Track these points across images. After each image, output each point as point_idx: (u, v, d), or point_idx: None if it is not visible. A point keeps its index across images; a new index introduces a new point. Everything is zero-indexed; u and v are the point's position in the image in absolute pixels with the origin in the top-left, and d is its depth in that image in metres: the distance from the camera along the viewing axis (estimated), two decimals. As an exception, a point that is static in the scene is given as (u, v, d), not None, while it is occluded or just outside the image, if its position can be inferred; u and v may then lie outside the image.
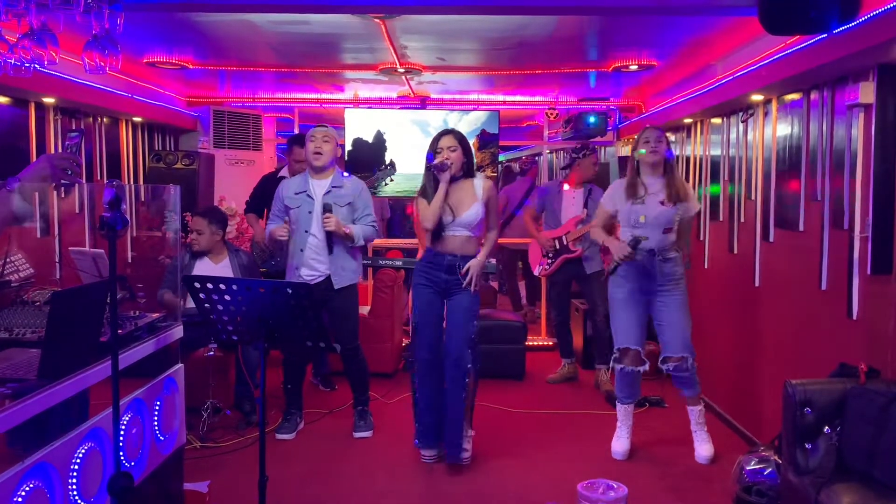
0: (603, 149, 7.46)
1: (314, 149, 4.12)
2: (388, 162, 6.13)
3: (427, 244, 3.91)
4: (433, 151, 3.78)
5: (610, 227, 4.12)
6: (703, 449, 3.95)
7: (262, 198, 5.08)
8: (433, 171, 3.75)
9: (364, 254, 4.38)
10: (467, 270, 3.75)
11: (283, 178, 4.84)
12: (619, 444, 4.03)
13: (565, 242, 5.28)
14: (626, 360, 3.94)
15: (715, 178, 4.87)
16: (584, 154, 5.25)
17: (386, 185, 6.16)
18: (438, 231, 3.77)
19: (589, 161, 5.23)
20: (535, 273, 5.66)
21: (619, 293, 3.98)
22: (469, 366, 3.75)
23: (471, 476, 3.76)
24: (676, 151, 5.69)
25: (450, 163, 3.71)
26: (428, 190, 3.79)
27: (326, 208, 4.04)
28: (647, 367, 3.98)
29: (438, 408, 3.81)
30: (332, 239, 4.08)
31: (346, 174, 4.35)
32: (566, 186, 5.34)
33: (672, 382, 4.07)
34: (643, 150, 3.89)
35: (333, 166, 4.23)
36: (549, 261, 5.38)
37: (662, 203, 3.86)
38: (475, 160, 4.03)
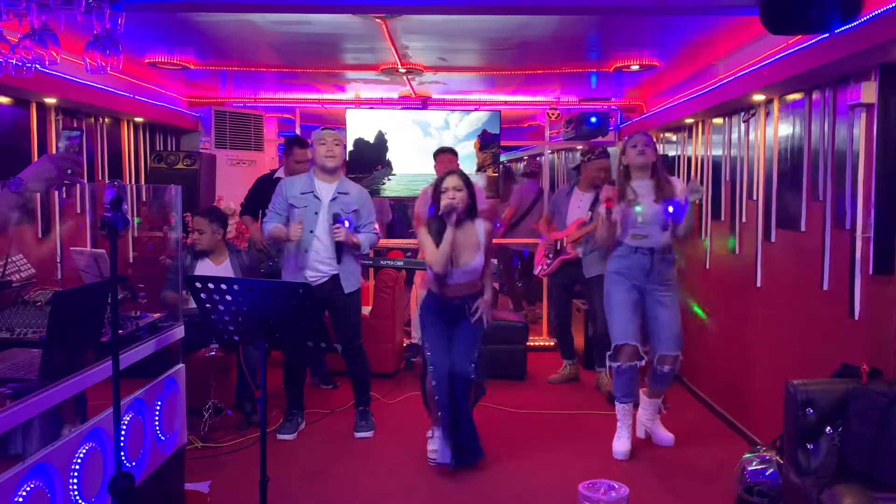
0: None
1: (326, 151, 4.14)
2: (385, 161, 6.13)
3: (432, 289, 3.90)
4: (437, 188, 3.78)
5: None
6: (666, 432, 4.20)
7: (258, 200, 5.06)
8: (442, 214, 3.72)
9: (365, 254, 4.42)
10: (477, 307, 3.84)
11: (279, 178, 4.83)
12: (621, 444, 4.03)
13: (564, 244, 5.28)
14: (623, 357, 3.98)
15: (716, 178, 4.86)
16: (589, 158, 5.24)
17: (384, 184, 6.16)
18: (442, 276, 3.79)
19: (593, 166, 5.18)
20: (535, 272, 5.69)
21: (616, 290, 4.03)
22: (473, 380, 3.79)
23: (472, 476, 3.76)
24: (678, 152, 5.69)
25: (457, 204, 3.69)
26: (431, 230, 3.79)
27: (336, 219, 4.06)
28: (643, 362, 4.01)
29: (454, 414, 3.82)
30: (342, 248, 4.10)
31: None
32: (576, 189, 5.34)
33: (650, 380, 4.14)
34: (631, 154, 3.96)
35: (339, 170, 4.25)
36: (549, 261, 5.40)
37: (655, 202, 3.92)
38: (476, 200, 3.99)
